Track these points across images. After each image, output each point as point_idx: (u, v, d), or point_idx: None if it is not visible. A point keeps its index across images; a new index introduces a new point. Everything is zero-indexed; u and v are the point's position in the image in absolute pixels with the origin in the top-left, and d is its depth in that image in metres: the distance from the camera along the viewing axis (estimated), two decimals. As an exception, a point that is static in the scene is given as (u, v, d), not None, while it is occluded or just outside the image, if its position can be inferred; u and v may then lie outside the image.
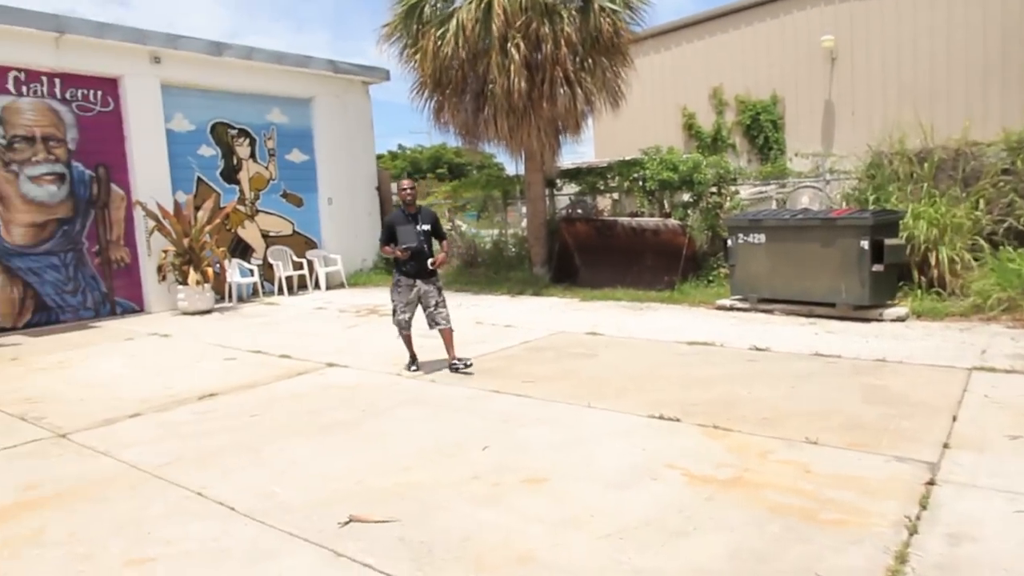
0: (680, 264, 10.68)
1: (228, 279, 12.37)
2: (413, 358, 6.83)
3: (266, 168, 13.55)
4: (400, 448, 4.65)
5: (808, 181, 11.48)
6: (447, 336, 6.61)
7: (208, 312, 11.24)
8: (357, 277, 14.59)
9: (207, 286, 11.14)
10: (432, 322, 6.61)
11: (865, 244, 7.95)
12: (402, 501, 3.78)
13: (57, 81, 10.60)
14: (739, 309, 9.12)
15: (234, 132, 12.96)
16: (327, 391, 6.21)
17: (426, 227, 6.53)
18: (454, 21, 11.10)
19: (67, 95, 10.71)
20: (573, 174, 13.76)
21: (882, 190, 9.67)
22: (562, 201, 14.37)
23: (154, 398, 6.18)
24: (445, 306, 6.63)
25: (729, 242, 9.30)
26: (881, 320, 7.96)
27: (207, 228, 11.52)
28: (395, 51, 12.04)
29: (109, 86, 11.17)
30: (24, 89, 10.28)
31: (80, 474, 4.44)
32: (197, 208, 11.66)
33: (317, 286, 13.84)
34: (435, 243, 6.80)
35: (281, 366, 7.27)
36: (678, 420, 4.87)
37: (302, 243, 14.13)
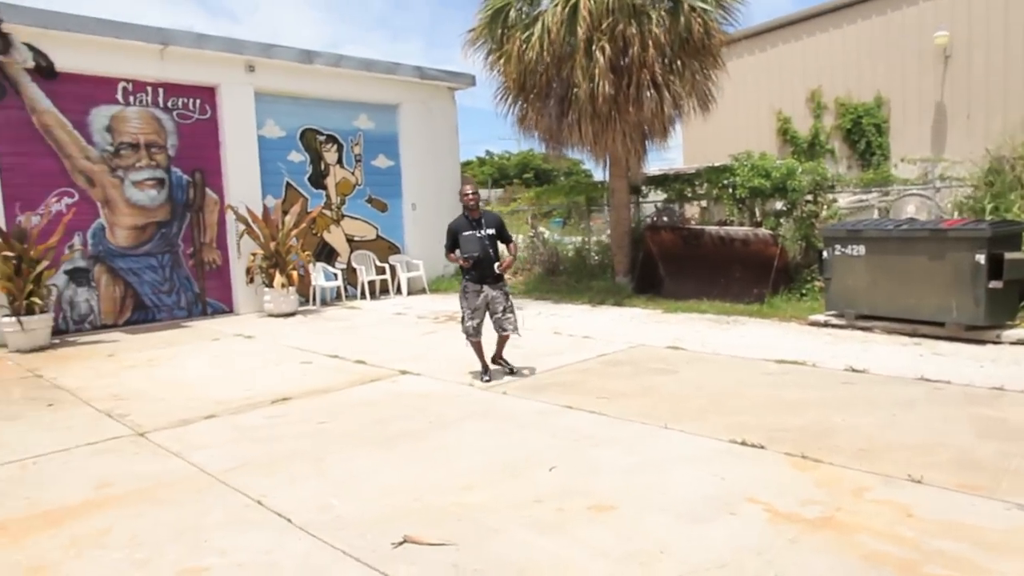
0: (770, 276, 10.11)
1: (313, 282, 12.63)
2: (485, 367, 6.69)
3: (352, 173, 13.79)
4: (463, 464, 4.48)
5: (915, 189, 10.65)
6: (503, 341, 6.70)
7: (292, 315, 11.49)
8: (439, 283, 14.64)
9: (291, 289, 11.40)
10: (499, 328, 6.56)
11: (981, 258, 7.23)
12: (459, 523, 3.60)
13: (160, 91, 11.11)
14: (834, 326, 8.51)
15: (322, 138, 13.26)
16: (398, 399, 6.13)
17: (490, 231, 6.42)
18: (539, 24, 10.95)
19: (169, 104, 11.21)
20: (660, 181, 13.34)
21: (1002, 198, 8.84)
22: (648, 209, 13.97)
23: (231, 400, 6.28)
24: (513, 312, 6.56)
25: (825, 253, 8.70)
26: (998, 343, 7.22)
27: (294, 232, 11.80)
28: (480, 56, 12.02)
29: (207, 94, 11.63)
30: (131, 99, 10.83)
31: (151, 474, 4.50)
32: (285, 212, 11.97)
33: (399, 291, 13.97)
34: (502, 247, 6.71)
35: (355, 372, 7.27)
36: (762, 447, 4.49)
37: (385, 248, 14.30)
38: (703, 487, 3.93)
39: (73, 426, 5.67)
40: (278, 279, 11.19)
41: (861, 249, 8.27)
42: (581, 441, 4.81)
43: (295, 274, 11.40)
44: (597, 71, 10.59)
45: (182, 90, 11.34)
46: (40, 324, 9.06)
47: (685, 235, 11.51)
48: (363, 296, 13.45)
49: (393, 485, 4.16)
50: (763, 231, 10.56)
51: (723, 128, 16.06)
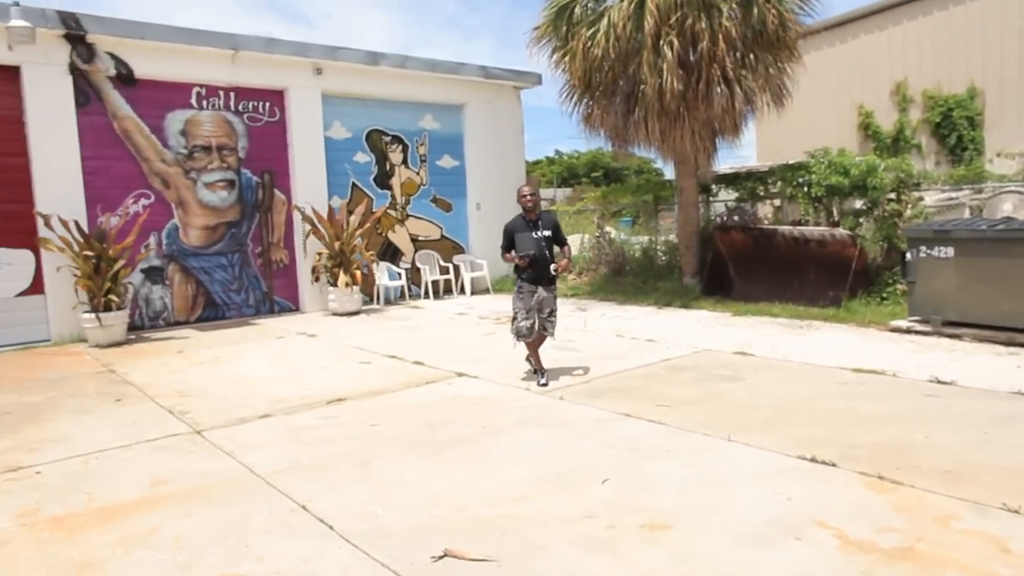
0: (848, 279, 9.54)
1: (376, 282, 12.73)
2: (541, 369, 6.58)
3: (417, 173, 13.85)
4: (513, 473, 4.32)
5: (1014, 186, 9.87)
6: (542, 340, 6.65)
7: (356, 313, 11.59)
8: (502, 283, 14.53)
9: (355, 288, 11.50)
10: (541, 327, 6.55)
11: (1088, 261, 6.59)
12: (504, 537, 3.44)
13: (232, 95, 11.40)
14: (918, 332, 7.95)
15: (388, 139, 13.35)
16: (451, 403, 6.02)
17: (546, 233, 6.40)
18: (605, 20, 10.70)
19: (239, 107, 11.49)
20: (730, 179, 12.86)
21: (1112, 196, 8.05)
22: (718, 208, 13.49)
23: (288, 399, 6.31)
24: (556, 316, 6.63)
25: (908, 255, 8.14)
26: (1107, 354, 6.57)
27: (358, 232, 11.90)
28: (545, 54, 11.84)
29: (276, 97, 11.87)
30: (204, 103, 11.15)
31: (204, 473, 4.52)
32: (350, 213, 12.09)
33: (462, 291, 13.94)
34: (556, 249, 6.64)
35: (412, 373, 7.21)
36: (834, 465, 4.15)
37: (450, 248, 14.30)
38: (767, 507, 3.64)
39: (137, 421, 5.79)
40: (342, 278, 11.31)
41: (950, 251, 7.69)
42: (638, 451, 4.57)
43: (359, 273, 11.50)
44: (665, 67, 10.26)
45: (252, 93, 11.60)
46: (117, 320, 9.40)
47: (756, 235, 11.03)
48: (426, 296, 13.48)
49: (439, 493, 4.04)
50: (840, 231, 10.00)
51: (799, 124, 15.38)
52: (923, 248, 7.93)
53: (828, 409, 5.32)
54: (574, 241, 16.64)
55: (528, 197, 6.36)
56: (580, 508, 3.75)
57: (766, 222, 12.38)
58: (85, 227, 9.71)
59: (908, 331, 8.05)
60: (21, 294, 9.69)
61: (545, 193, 19.61)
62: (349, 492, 4.12)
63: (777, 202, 12.78)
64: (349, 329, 10.24)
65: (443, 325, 10.26)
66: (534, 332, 6.47)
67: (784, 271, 10.48)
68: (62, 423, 5.83)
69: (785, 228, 10.81)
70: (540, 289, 6.43)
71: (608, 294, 12.59)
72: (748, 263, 11.12)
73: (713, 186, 13.06)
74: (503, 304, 12.21)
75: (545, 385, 6.37)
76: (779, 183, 12.03)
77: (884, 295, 9.54)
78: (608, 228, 15.83)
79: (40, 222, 9.38)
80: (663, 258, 13.76)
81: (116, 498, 4.19)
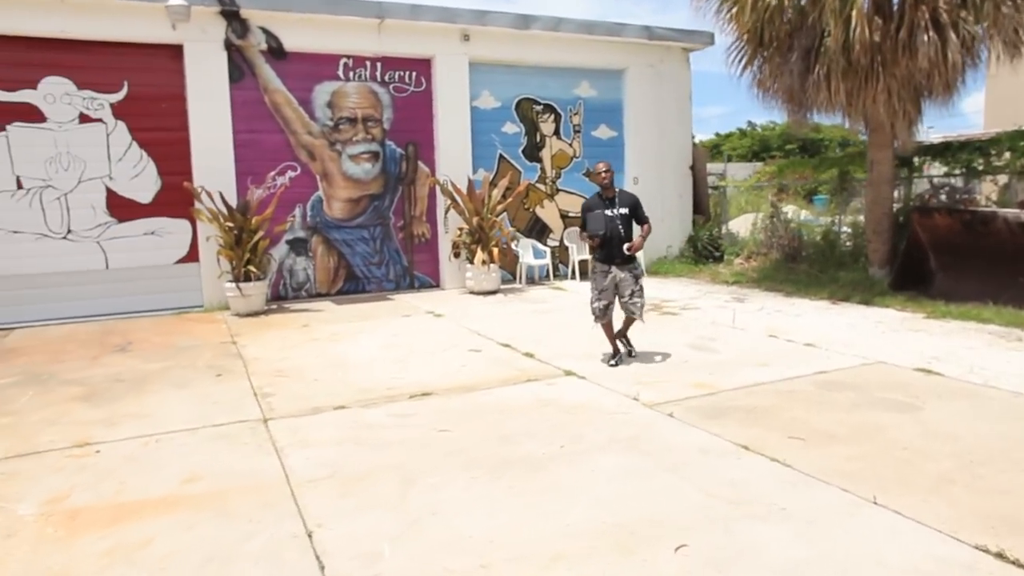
0: (1096, 279, 7.35)
1: (520, 260, 12.11)
2: (615, 351, 6.49)
3: (570, 145, 12.97)
4: (570, 516, 3.43)
5: None
6: (630, 322, 6.51)
7: (492, 293, 11.06)
8: (659, 265, 13.33)
9: (493, 266, 10.95)
10: (626, 311, 6.35)
11: None
12: (512, 621, 2.60)
13: (378, 65, 11.21)
14: None
15: (539, 108, 12.58)
16: (542, 410, 5.19)
17: (622, 211, 6.21)
18: (780, -38, 9.09)
19: (385, 77, 11.29)
20: (939, 151, 10.65)
21: None
22: (922, 186, 11.28)
23: (373, 389, 5.84)
24: (641, 296, 6.32)
25: None
26: None
27: (499, 207, 11.32)
28: (712, 8, 10.38)
29: (422, 66, 11.53)
30: (351, 74, 11.06)
31: (240, 472, 4.11)
32: (493, 186, 11.53)
33: (613, 272, 12.91)
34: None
35: (517, 367, 6.47)
36: (1032, 569, 2.82)
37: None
38: (906, 631, 2.47)
39: (220, 401, 5.60)
40: (479, 256, 10.80)
41: None
42: (740, 506, 3.49)
43: (496, 251, 10.91)
44: (854, 13, 8.51)
45: (398, 63, 11.34)
46: (255, 291, 9.60)
47: (969, 219, 8.93)
48: (573, 276, 12.64)
49: (470, 534, 3.27)
50: (1089, 217, 7.74)
51: (1043, 81, 12.44)
52: None
53: (1038, 468, 3.83)
54: (747, 220, 14.95)
55: (603, 174, 6.27)
56: (635, 585, 2.80)
57: (986, 204, 10.09)
58: (234, 199, 9.98)
59: None
60: (179, 261, 10.22)
61: (714, 168, 17.87)
62: (371, 518, 3.47)
63: (1003, 179, 10.39)
64: (478, 310, 9.71)
65: (577, 310, 9.36)
66: (607, 314, 6.34)
67: (1003, 265, 8.38)
68: (156, 396, 5.79)
69: (1009, 212, 8.64)
70: (614, 269, 6.26)
71: (776, 283, 10.99)
72: (955, 253, 9.04)
73: (916, 159, 10.89)
74: (654, 289, 11.07)
75: (615, 366, 6.32)
76: (1007, 155, 9.72)
77: None
78: (786, 207, 13.97)
79: (199, 192, 9.75)
80: (847, 244, 11.82)
81: (142, 493, 3.88)
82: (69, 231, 9.65)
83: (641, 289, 6.29)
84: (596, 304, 6.34)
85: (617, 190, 6.35)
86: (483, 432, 4.71)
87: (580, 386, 5.80)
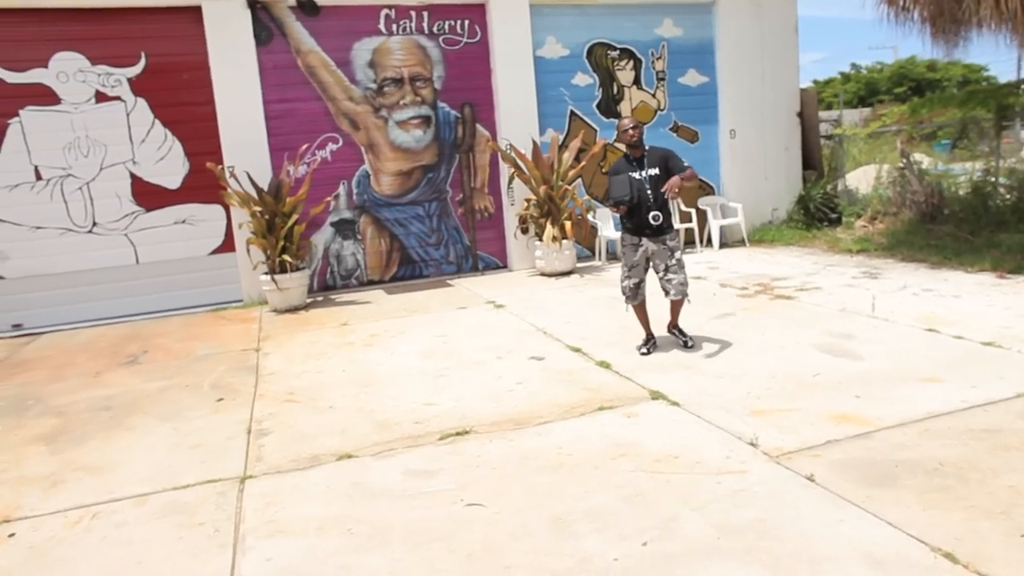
0: None
1: (600, 233, 10.47)
2: (648, 337, 5.67)
3: (653, 95, 11.11)
4: None
5: None
6: (675, 306, 5.62)
7: (567, 274, 9.50)
8: (763, 232, 11.38)
9: (566, 243, 9.37)
10: (664, 290, 5.51)
11: None
12: None
13: (425, 15, 9.71)
14: None
15: (615, 54, 10.77)
16: (615, 465, 3.64)
17: (652, 172, 5.32)
18: None
19: (435, 28, 9.78)
20: None
21: None
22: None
23: (397, 422, 4.47)
24: (681, 270, 5.44)
25: None
26: None
27: (571, 173, 9.69)
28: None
29: (476, 13, 9.94)
30: (394, 27, 9.61)
31: (170, 588, 2.82)
32: (563, 148, 9.90)
33: (709, 243, 11.09)
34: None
35: (587, 385, 4.94)
36: None
37: (694, 189, 11.43)
38: None
39: (201, 444, 4.38)
40: (548, 231, 9.24)
41: None
42: None
43: (569, 225, 9.31)
44: None
45: (448, 11, 9.80)
46: (293, 283, 8.43)
47: None
48: (661, 249, 10.88)
49: None
50: None
51: None
52: None
53: None
54: (867, 174, 12.69)
55: (630, 132, 5.38)
56: None
57: None
58: (269, 177, 8.81)
59: None
60: (214, 252, 9.19)
61: (827, 115, 15.51)
62: None
63: None
64: (548, 297, 8.19)
65: (666, 295, 7.74)
66: (639, 294, 5.59)
67: None
68: (130, 435, 4.64)
69: None
70: (645, 241, 5.42)
71: (914, 251, 8.90)
72: None
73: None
74: (757, 264, 9.28)
75: (647, 354, 5.51)
76: None
77: None
78: (916, 156, 11.65)
79: (226, 173, 8.63)
80: (1006, 197, 9.54)
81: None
82: (95, 224, 8.74)
83: (679, 264, 5.42)
84: (626, 282, 5.60)
85: (647, 147, 5.42)
86: (528, 510, 3.23)
87: (672, 418, 4.22)
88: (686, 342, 5.62)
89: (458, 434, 4.20)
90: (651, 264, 5.51)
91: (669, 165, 5.34)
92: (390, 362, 5.94)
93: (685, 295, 5.49)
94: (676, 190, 5.12)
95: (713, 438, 3.86)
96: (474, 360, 5.79)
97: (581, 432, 4.10)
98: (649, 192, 5.30)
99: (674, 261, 5.43)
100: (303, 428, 4.52)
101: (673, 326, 5.76)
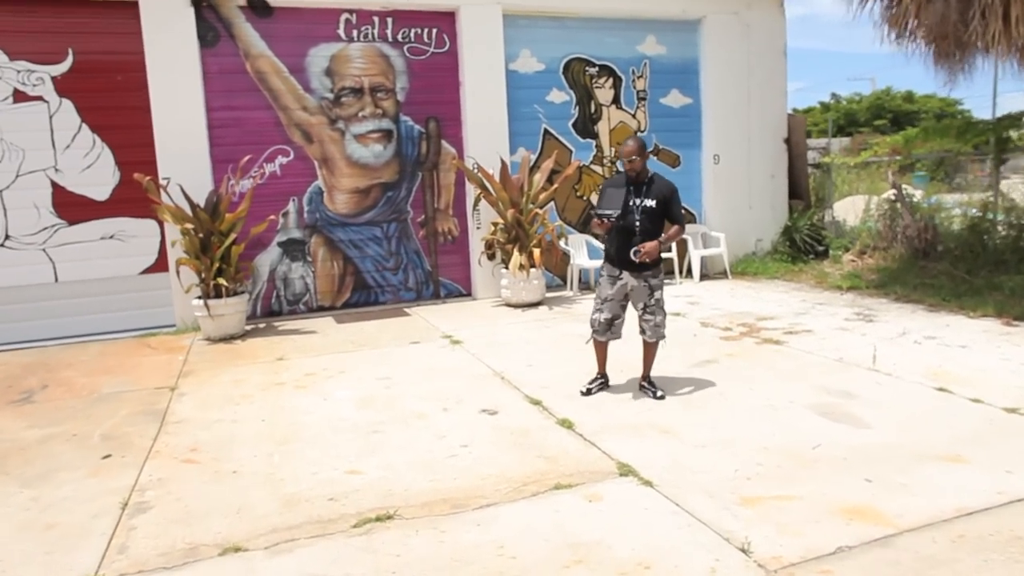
0: None
1: (572, 261, 9.71)
2: (598, 376, 5.24)
3: (633, 116, 10.43)
4: None
5: None
6: (648, 351, 5.08)
7: (535, 305, 8.72)
8: (747, 264, 10.72)
9: (534, 272, 8.60)
10: (640, 328, 5.04)
11: None
12: None
13: (389, 20, 8.97)
14: None
15: (594, 70, 10.09)
16: (572, 570, 2.85)
17: (649, 203, 4.82)
18: None
19: (399, 36, 9.03)
20: None
21: None
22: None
23: (308, 498, 3.63)
24: (660, 311, 5.00)
25: None
26: None
27: (543, 196, 8.95)
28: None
29: (445, 22, 9.22)
30: (354, 33, 8.85)
31: None
32: (535, 169, 9.16)
33: (689, 274, 10.39)
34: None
35: (543, 453, 4.14)
36: None
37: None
38: None
39: (56, 525, 3.51)
40: (515, 259, 8.47)
41: None
42: None
43: (537, 253, 8.55)
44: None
45: (414, 17, 9.07)
46: (228, 309, 7.56)
47: None
48: (638, 280, 10.15)
49: None
50: None
51: None
52: None
53: None
54: (853, 204, 12.11)
55: (634, 160, 4.77)
56: None
57: None
58: (209, 191, 7.96)
59: None
60: (146, 271, 8.28)
61: (815, 143, 14.98)
62: None
63: None
64: (511, 333, 7.40)
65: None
66: (611, 332, 5.09)
67: None
68: (-21, 507, 3.75)
69: None
70: (625, 275, 4.93)
71: (908, 290, 8.26)
72: None
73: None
74: (740, 299, 8.58)
75: (588, 394, 5.10)
76: None
77: None
78: (908, 188, 11.09)
79: (156, 186, 7.77)
80: (1002, 234, 8.97)
81: None
82: (7, 237, 7.81)
83: (658, 304, 4.98)
84: (596, 315, 5.08)
85: (652, 174, 4.93)
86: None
87: (644, 505, 3.43)
88: (654, 393, 5.03)
89: (378, 519, 3.37)
90: (628, 300, 5.06)
91: (670, 207, 4.91)
92: (320, 411, 5.10)
93: (662, 337, 5.04)
94: (649, 258, 4.72)
95: (694, 539, 3.07)
96: (416, 412, 4.97)
97: (530, 522, 3.30)
98: (639, 221, 4.83)
99: (653, 301, 4.98)
100: (192, 503, 3.67)
101: (645, 379, 5.12)
